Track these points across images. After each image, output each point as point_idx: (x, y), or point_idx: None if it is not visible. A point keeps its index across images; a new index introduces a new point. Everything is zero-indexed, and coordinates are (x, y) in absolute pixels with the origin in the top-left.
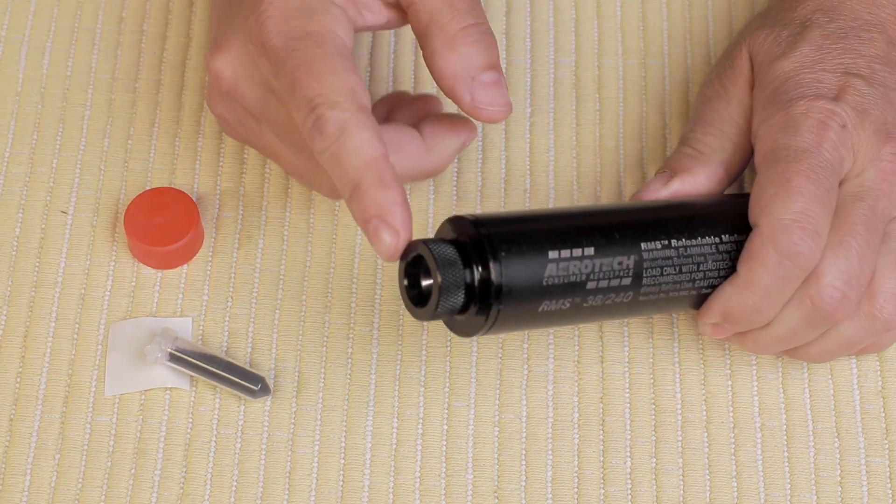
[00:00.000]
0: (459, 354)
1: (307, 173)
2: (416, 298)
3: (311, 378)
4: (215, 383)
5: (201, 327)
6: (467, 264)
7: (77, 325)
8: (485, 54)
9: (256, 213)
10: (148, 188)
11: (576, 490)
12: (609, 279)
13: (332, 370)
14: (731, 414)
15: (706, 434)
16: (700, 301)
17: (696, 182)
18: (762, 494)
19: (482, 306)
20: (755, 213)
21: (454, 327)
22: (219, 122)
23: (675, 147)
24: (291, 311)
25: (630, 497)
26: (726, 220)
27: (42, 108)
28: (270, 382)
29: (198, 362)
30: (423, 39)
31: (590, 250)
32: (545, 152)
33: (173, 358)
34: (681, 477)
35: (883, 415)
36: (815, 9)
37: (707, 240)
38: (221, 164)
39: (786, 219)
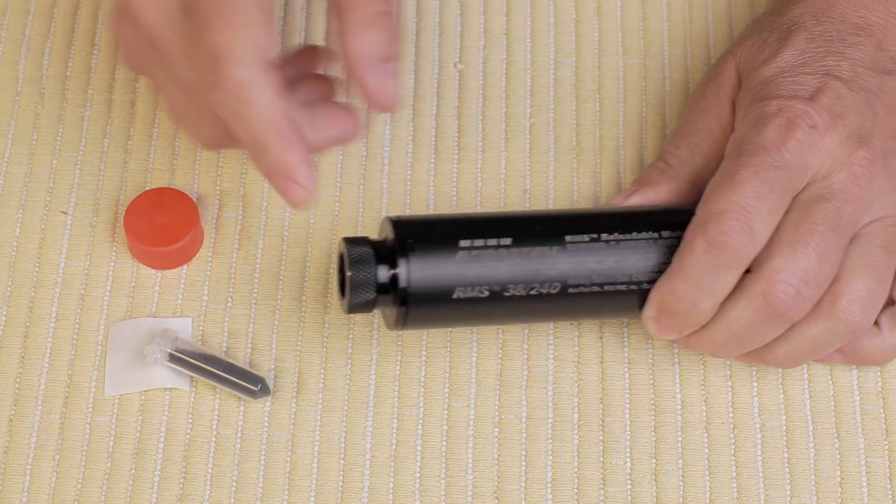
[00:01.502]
0: (459, 355)
1: (189, 117)
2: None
3: (310, 378)
4: (215, 384)
5: (201, 327)
6: (384, 261)
7: (77, 326)
8: (392, 43)
9: (256, 213)
10: (148, 188)
11: (576, 491)
12: (529, 268)
13: (331, 370)
14: (731, 415)
15: (706, 435)
16: (644, 300)
17: (658, 196)
18: (762, 495)
19: (396, 296)
20: (700, 202)
21: (386, 321)
22: (118, 46)
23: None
24: (291, 312)
25: (630, 498)
26: (668, 217)
27: (42, 108)
28: (270, 383)
29: (198, 363)
30: (339, 11)
31: (507, 241)
32: (545, 152)
33: (173, 358)
34: (681, 478)
35: (883, 416)
36: (803, 11)
37: (644, 234)
38: (221, 164)
39: (719, 209)
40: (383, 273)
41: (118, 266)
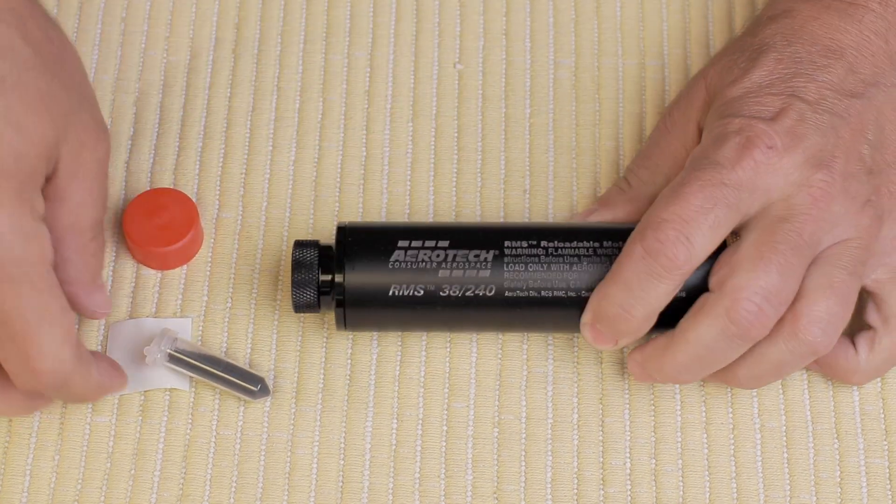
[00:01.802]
0: (459, 355)
1: None
2: None
3: (310, 378)
4: (214, 384)
5: (201, 327)
6: (326, 263)
7: (77, 326)
8: (100, 263)
9: (256, 213)
10: (148, 189)
11: (575, 491)
12: (464, 269)
13: (331, 371)
14: (731, 415)
15: (706, 435)
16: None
17: (615, 216)
18: (762, 496)
19: (334, 296)
20: (647, 211)
21: (336, 322)
22: None
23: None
24: (291, 312)
25: (630, 498)
26: (610, 229)
27: None
28: (270, 383)
29: (197, 363)
30: (58, 241)
31: (444, 243)
32: (545, 153)
33: (172, 359)
34: (680, 478)
35: (882, 416)
36: (774, 32)
37: (583, 243)
38: (221, 164)
39: (660, 218)
40: (324, 275)
41: (118, 266)
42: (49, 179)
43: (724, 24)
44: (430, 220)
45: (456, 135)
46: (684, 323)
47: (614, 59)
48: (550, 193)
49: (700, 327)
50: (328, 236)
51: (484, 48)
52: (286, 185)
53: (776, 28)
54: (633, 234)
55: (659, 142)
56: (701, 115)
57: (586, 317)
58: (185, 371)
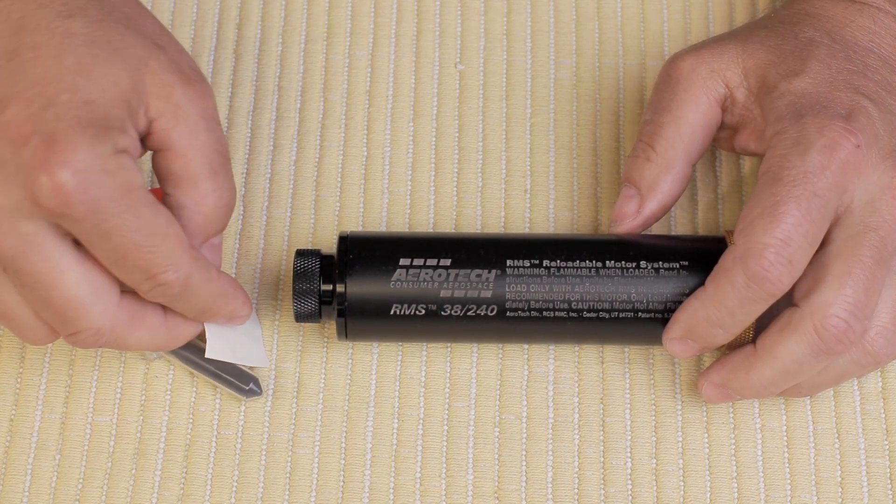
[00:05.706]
0: (460, 355)
1: (30, 328)
2: None
3: (311, 378)
4: (209, 379)
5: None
6: (327, 274)
7: None
8: (226, 217)
9: (257, 213)
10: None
11: (576, 491)
12: (466, 289)
13: (332, 370)
14: (732, 415)
15: (706, 435)
16: (586, 329)
17: (664, 196)
18: (762, 495)
19: (335, 308)
20: (738, 228)
21: (337, 334)
22: None
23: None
24: (291, 312)
25: (630, 498)
26: (614, 247)
27: None
28: (270, 382)
29: (193, 357)
30: (170, 185)
31: (446, 261)
32: (545, 152)
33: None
34: (681, 478)
35: (883, 416)
36: (817, 30)
37: (586, 263)
38: None
39: (762, 243)
40: (325, 286)
41: None
42: (152, 129)
43: (725, 25)
44: (431, 219)
45: (457, 135)
46: (769, 339)
47: (615, 59)
48: (551, 193)
49: (787, 343)
50: (329, 238)
51: (485, 48)
52: (287, 184)
53: (817, 27)
54: (731, 258)
55: (678, 94)
56: (734, 78)
57: (675, 332)
58: (180, 363)
